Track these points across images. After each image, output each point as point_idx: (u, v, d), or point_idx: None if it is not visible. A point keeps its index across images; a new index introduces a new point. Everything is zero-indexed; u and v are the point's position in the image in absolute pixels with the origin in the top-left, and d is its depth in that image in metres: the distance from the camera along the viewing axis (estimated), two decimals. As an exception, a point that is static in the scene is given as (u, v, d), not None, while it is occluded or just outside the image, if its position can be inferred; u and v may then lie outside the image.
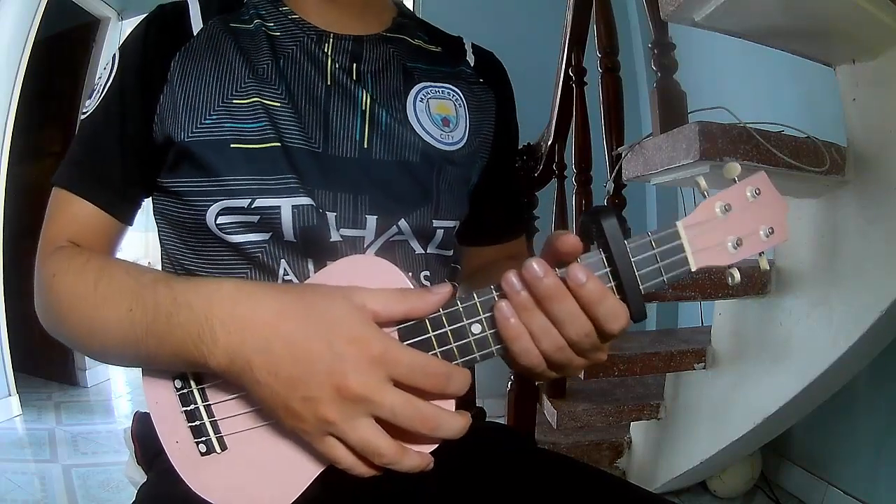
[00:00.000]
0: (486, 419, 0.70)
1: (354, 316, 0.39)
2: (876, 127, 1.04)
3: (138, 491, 0.55)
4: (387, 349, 0.38)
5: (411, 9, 2.85)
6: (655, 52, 1.17)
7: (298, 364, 0.38)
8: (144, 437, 0.59)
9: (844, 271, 1.10)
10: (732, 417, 1.35)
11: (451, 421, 0.39)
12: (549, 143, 1.69)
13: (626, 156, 1.19)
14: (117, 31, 2.91)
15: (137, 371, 0.48)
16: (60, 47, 2.88)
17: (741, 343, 1.36)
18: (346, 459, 0.39)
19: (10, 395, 2.41)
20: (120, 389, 2.97)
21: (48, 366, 2.89)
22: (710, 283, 1.22)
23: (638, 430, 1.67)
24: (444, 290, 0.40)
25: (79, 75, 2.82)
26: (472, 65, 0.67)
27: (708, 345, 1.42)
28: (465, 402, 0.68)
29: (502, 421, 1.49)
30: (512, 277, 0.39)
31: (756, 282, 1.26)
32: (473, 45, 0.69)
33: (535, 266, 0.38)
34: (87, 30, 2.87)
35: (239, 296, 0.40)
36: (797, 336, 1.20)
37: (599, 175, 1.41)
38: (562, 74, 1.61)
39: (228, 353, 0.39)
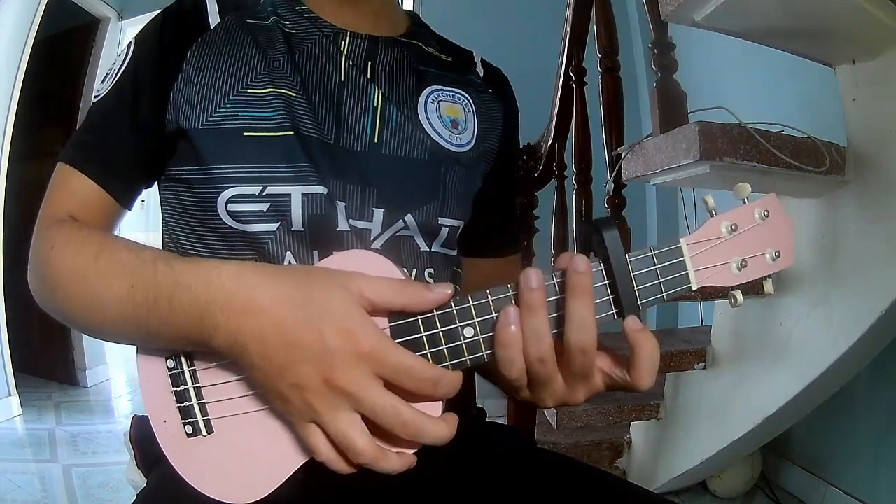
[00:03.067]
0: (487, 419, 0.70)
1: (349, 307, 0.39)
2: (876, 127, 1.04)
3: (137, 495, 0.55)
4: (376, 347, 0.38)
5: (412, 8, 2.85)
6: (655, 52, 1.17)
7: (290, 352, 0.38)
8: (143, 442, 0.59)
9: (844, 271, 1.10)
10: (732, 417, 1.35)
11: (432, 429, 0.39)
12: (549, 143, 1.69)
13: (626, 156, 1.19)
14: (117, 31, 2.91)
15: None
16: (60, 47, 2.88)
17: (741, 343, 1.36)
18: (325, 450, 0.40)
19: (10, 395, 2.41)
20: (120, 389, 2.97)
21: (48, 366, 2.89)
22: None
23: (638, 430, 1.67)
24: (445, 290, 0.40)
25: (79, 75, 2.82)
26: (480, 76, 0.69)
27: (708, 345, 1.42)
28: (465, 402, 0.69)
29: (502, 421, 1.49)
30: (531, 274, 0.39)
31: (756, 282, 1.25)
32: (483, 60, 0.71)
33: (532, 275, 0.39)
34: (87, 30, 2.87)
35: (238, 282, 0.40)
36: (797, 336, 1.20)
37: (599, 175, 1.41)
38: (562, 74, 1.61)
39: (228, 337, 0.40)
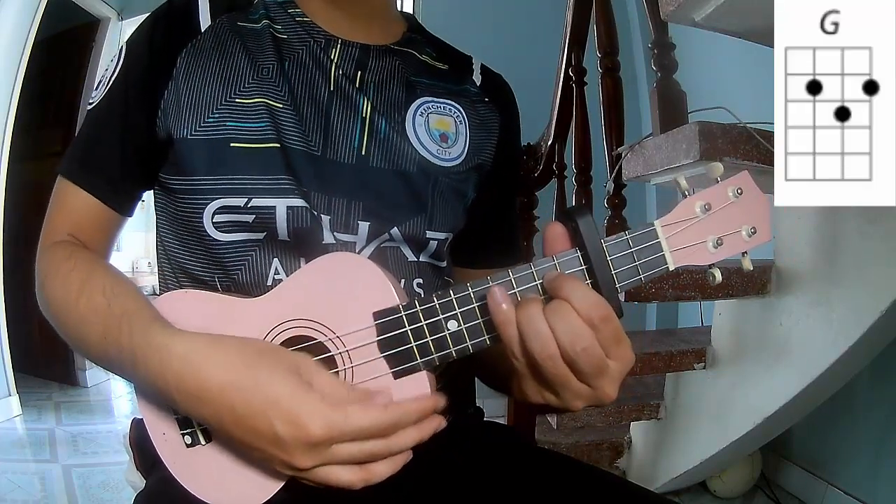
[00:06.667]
0: (486, 419, 0.70)
1: (294, 393, 0.38)
2: (876, 127, 1.04)
3: (136, 497, 0.55)
4: (326, 430, 0.38)
5: (412, 8, 2.85)
6: (655, 52, 1.17)
7: (247, 435, 0.39)
8: (142, 444, 0.59)
9: (844, 271, 1.10)
10: (732, 417, 1.35)
11: (410, 440, 0.40)
12: (549, 143, 1.69)
13: (626, 156, 1.19)
14: (117, 31, 2.91)
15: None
16: (60, 47, 2.88)
17: (741, 343, 1.35)
18: (319, 483, 0.41)
19: (10, 395, 2.41)
20: (120, 389, 2.97)
21: (48, 366, 2.89)
22: (710, 283, 1.22)
23: (638, 430, 1.67)
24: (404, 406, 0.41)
25: (79, 75, 2.82)
26: (477, 84, 0.67)
27: (708, 345, 1.42)
28: (465, 401, 0.69)
29: (502, 421, 1.49)
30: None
31: (756, 282, 1.26)
32: (482, 66, 0.69)
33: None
34: (87, 30, 2.87)
35: (187, 366, 0.40)
36: (797, 336, 1.20)
37: (599, 175, 1.41)
38: (562, 74, 1.61)
39: (188, 412, 0.42)
